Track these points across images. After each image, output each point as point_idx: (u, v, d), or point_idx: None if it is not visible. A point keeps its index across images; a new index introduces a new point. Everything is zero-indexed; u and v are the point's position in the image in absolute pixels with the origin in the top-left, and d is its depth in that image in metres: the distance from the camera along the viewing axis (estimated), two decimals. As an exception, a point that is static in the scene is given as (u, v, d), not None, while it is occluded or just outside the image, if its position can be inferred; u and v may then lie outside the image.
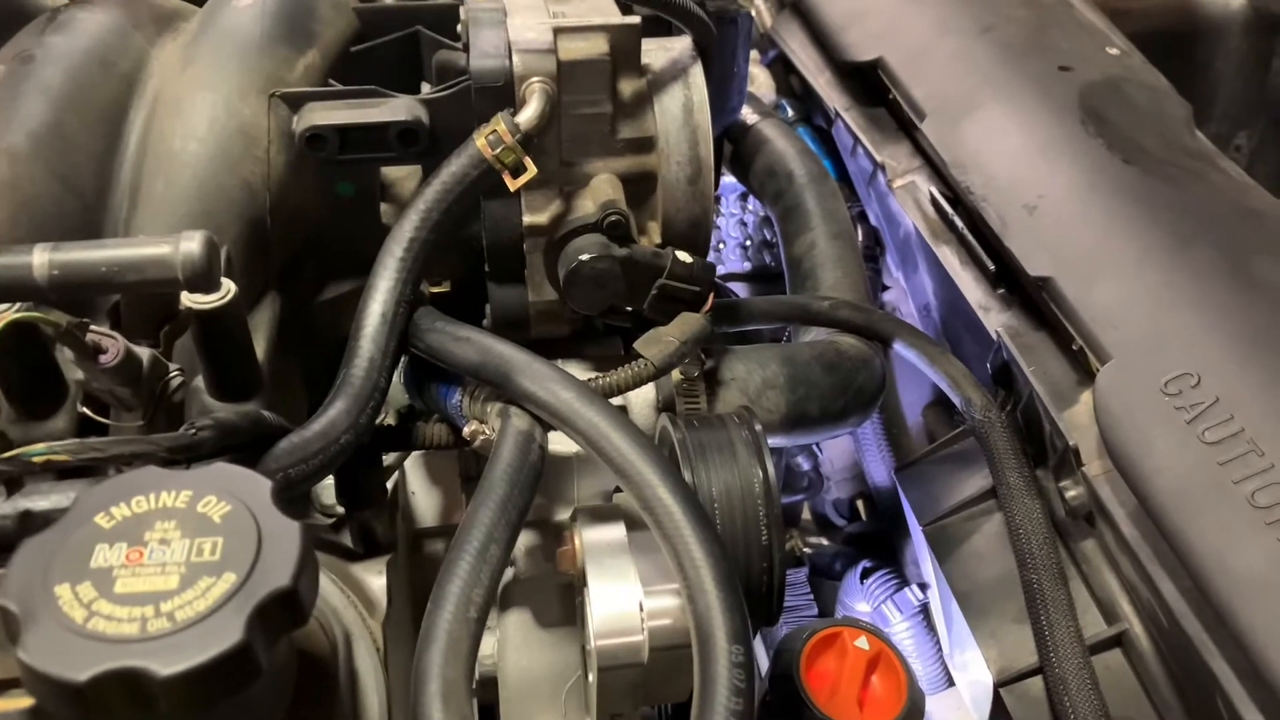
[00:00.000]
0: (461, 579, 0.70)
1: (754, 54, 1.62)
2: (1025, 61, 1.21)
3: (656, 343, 0.90)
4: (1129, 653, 0.88)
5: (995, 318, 1.05)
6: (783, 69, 1.60)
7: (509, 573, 0.97)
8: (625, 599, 0.78)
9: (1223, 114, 1.80)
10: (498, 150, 0.87)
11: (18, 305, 0.72)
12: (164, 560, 0.53)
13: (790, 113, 1.55)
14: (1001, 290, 1.07)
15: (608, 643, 0.78)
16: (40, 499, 0.68)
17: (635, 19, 0.93)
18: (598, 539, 0.83)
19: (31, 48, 0.91)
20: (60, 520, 0.55)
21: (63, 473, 0.70)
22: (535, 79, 0.89)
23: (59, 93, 0.88)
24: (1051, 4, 1.33)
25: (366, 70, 1.00)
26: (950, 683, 1.26)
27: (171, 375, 0.78)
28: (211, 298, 0.76)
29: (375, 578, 0.85)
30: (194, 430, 0.68)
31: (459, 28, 0.98)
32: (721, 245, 1.76)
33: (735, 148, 1.41)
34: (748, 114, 1.39)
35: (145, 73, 0.94)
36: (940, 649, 1.28)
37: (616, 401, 0.92)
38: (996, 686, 0.91)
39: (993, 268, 1.07)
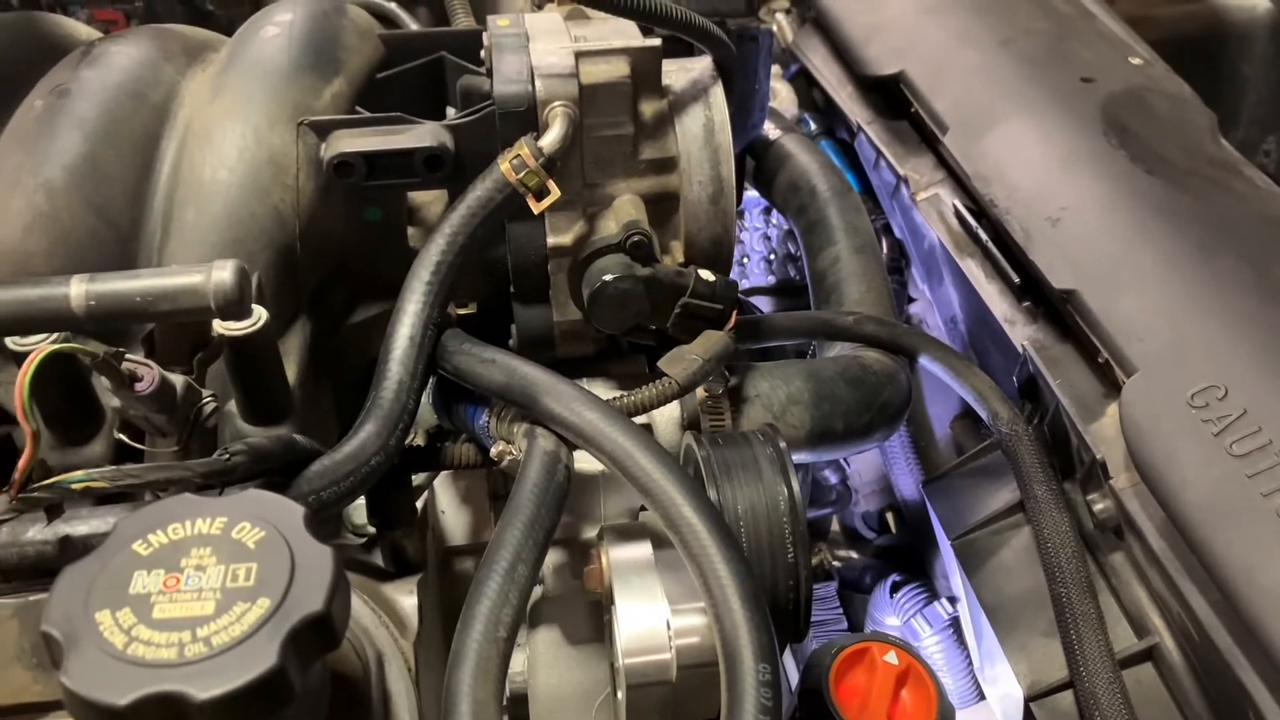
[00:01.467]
0: (490, 599, 0.71)
1: (776, 68, 1.63)
2: (1046, 74, 1.21)
3: (680, 361, 0.90)
4: (1160, 667, 0.87)
5: (1021, 331, 1.05)
6: (805, 83, 1.61)
7: (538, 590, 0.98)
8: (652, 617, 0.79)
9: (1250, 119, 1.79)
10: (522, 174, 0.88)
11: (55, 335, 0.74)
12: (200, 586, 0.54)
13: (813, 126, 1.56)
14: (1027, 303, 1.07)
15: (636, 660, 0.78)
16: (79, 524, 0.70)
17: (656, 41, 0.95)
18: (624, 557, 0.84)
19: (67, 82, 0.94)
20: (99, 548, 0.56)
21: (100, 498, 0.72)
22: (558, 103, 0.90)
23: (93, 126, 0.90)
24: (1072, 15, 1.33)
25: (392, 96, 1.02)
26: (981, 697, 1.25)
27: (205, 401, 0.79)
28: (243, 324, 0.77)
29: (406, 597, 0.86)
30: (227, 455, 0.70)
31: (482, 53, 1.00)
32: (746, 259, 1.77)
33: (758, 163, 1.42)
34: (770, 129, 1.40)
35: (176, 103, 0.96)
36: (971, 663, 1.28)
37: (641, 419, 0.93)
38: (1027, 701, 0.91)
39: (1017, 280, 1.07)
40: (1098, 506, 0.93)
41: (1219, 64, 1.76)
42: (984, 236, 1.13)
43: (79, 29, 1.14)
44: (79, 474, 0.65)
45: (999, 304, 1.09)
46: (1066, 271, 1.00)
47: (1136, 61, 1.24)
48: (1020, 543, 1.00)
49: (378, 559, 0.91)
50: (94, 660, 0.51)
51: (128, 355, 0.72)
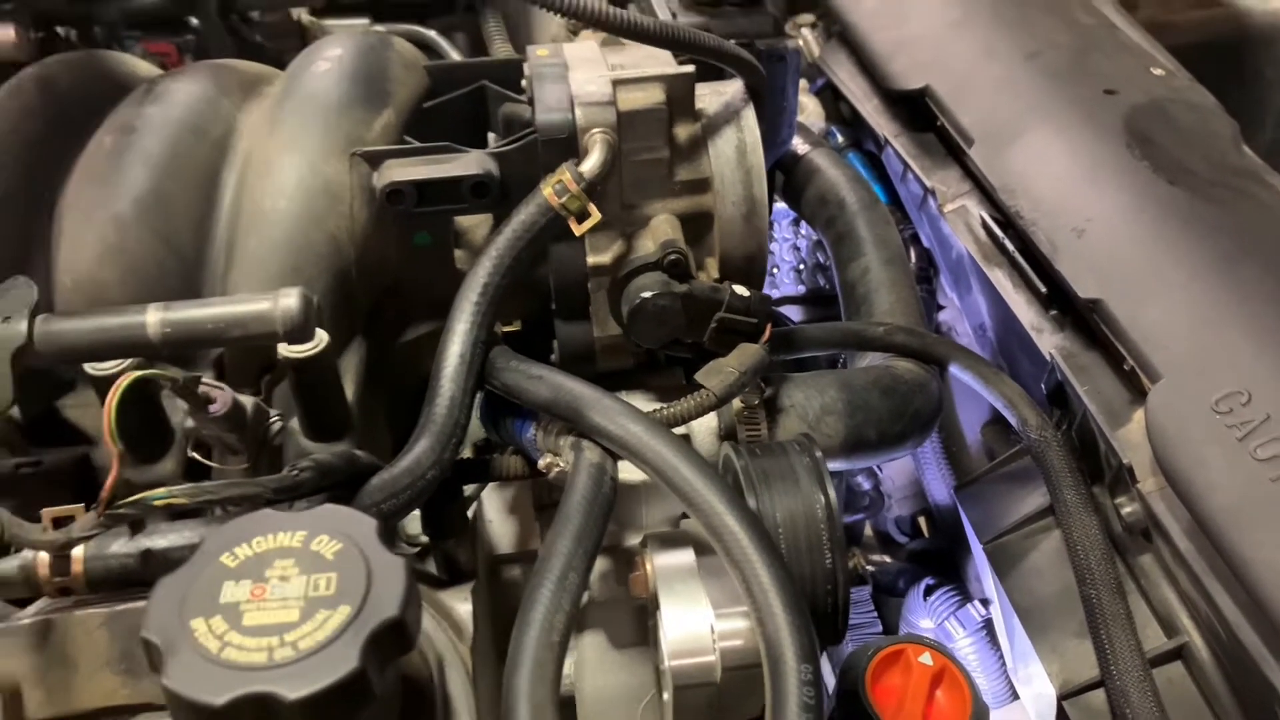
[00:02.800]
0: (544, 605, 0.75)
1: (803, 83, 1.66)
2: (1070, 86, 1.23)
3: (717, 373, 0.94)
4: (1190, 665, 0.89)
5: (1048, 339, 1.08)
6: (832, 96, 1.63)
7: (584, 596, 1.01)
8: (697, 621, 0.82)
9: (1276, 122, 1.80)
10: (564, 198, 0.92)
11: (130, 360, 0.79)
12: (285, 595, 0.59)
13: (840, 139, 1.59)
14: (1054, 312, 1.09)
15: (681, 663, 0.82)
16: (159, 538, 0.75)
17: (689, 68, 0.98)
18: (668, 564, 0.87)
19: (132, 119, 0.99)
20: (190, 560, 0.61)
21: (176, 513, 0.77)
22: (597, 130, 0.94)
23: (158, 160, 0.95)
24: (1095, 27, 1.35)
25: (438, 124, 1.06)
26: (1015, 696, 1.28)
27: (272, 420, 0.83)
28: (306, 347, 0.82)
29: (462, 604, 0.90)
30: (296, 471, 0.74)
31: (523, 81, 1.04)
32: (775, 269, 1.79)
33: (787, 177, 1.45)
34: (798, 144, 1.43)
35: (235, 137, 1.01)
36: (1004, 663, 1.30)
37: (680, 431, 0.97)
38: (1060, 699, 0.94)
39: (1044, 290, 1.09)
40: (1126, 510, 0.96)
41: (1242, 68, 1.77)
42: (1011, 247, 1.15)
43: (140, 66, 1.19)
44: (161, 491, 0.70)
45: (1026, 313, 1.12)
46: (1092, 281, 1.02)
47: (1159, 72, 1.26)
48: (1050, 546, 1.02)
49: (430, 567, 0.95)
50: (191, 664, 0.55)
51: (203, 379, 0.77)
